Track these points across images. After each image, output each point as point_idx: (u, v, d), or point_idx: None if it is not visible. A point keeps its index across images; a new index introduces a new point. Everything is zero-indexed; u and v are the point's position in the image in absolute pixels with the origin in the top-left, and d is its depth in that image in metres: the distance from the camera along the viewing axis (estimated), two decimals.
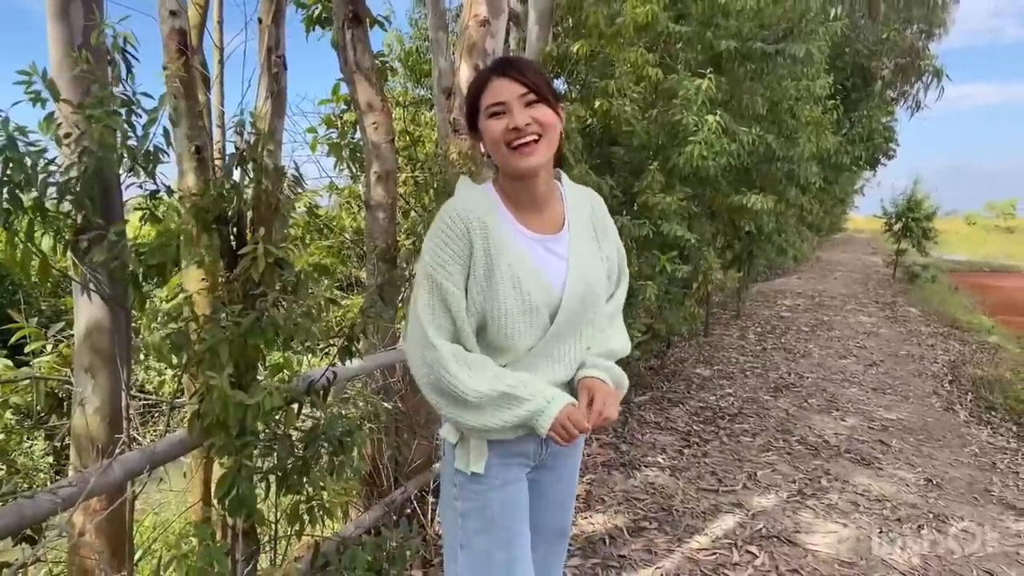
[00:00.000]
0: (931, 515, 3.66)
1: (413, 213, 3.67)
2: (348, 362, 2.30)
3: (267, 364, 2.08)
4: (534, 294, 1.41)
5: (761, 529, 3.32)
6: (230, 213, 1.90)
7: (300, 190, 1.97)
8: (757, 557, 3.06)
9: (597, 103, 4.37)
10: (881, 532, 3.38)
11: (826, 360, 7.62)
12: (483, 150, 1.45)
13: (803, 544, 3.21)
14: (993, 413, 6.06)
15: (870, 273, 19.38)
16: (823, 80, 6.43)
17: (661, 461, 4.10)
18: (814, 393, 6.10)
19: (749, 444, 4.56)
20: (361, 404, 2.94)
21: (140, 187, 1.99)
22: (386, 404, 2.98)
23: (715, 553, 3.04)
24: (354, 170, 3.73)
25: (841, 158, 8.44)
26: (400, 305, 3.99)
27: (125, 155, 1.82)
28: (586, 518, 3.26)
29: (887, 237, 17.87)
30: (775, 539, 3.24)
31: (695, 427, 4.85)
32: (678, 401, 5.50)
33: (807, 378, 6.68)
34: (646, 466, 4.00)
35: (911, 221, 16.88)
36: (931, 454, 4.73)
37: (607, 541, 3.05)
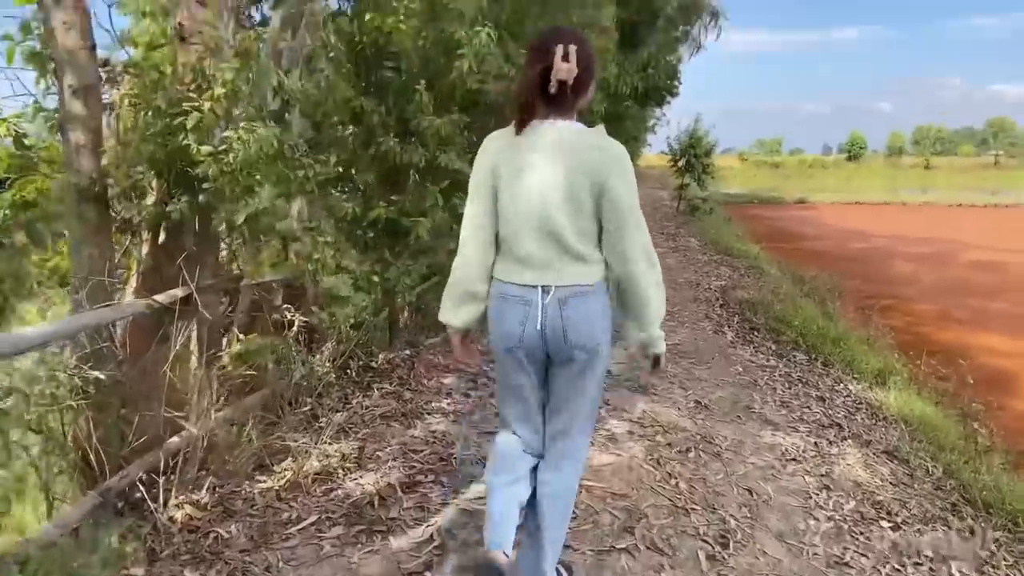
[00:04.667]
0: (699, 437, 3.83)
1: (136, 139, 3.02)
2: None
3: None
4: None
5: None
6: None
7: None
8: None
9: (368, 17, 3.91)
10: (651, 459, 3.46)
11: None
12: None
13: None
14: (756, 333, 6.61)
15: (658, 207, 20.73)
16: (609, 10, 6.40)
17: (445, 406, 3.92)
18: None
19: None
20: (62, 376, 2.39)
21: None
22: (97, 374, 2.45)
23: None
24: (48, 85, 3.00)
25: (621, 88, 8.66)
26: (133, 256, 3.37)
27: None
28: (355, 479, 2.97)
29: (673, 173, 19.09)
30: None
31: (485, 366, 4.73)
32: (471, 340, 5.35)
33: None
34: (429, 413, 3.79)
35: (693, 158, 18.17)
36: (701, 376, 5.02)
37: (375, 503, 2.79)
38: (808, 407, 4.68)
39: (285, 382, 3.50)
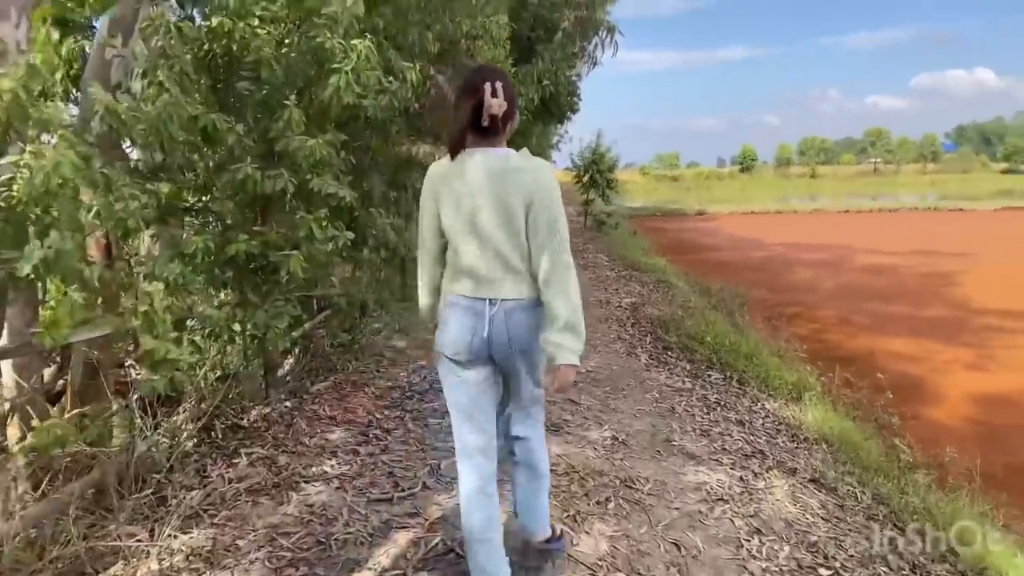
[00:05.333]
0: (618, 481, 3.44)
1: None
2: None
3: None
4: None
5: (437, 544, 2.75)
6: None
7: None
8: None
9: (215, 21, 3.37)
10: (567, 515, 3.04)
11: None
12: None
13: None
14: (669, 353, 6.35)
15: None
16: (500, 19, 6.05)
17: (329, 470, 3.36)
18: None
19: (436, 427, 4.02)
20: None
21: None
22: None
23: None
24: None
25: (517, 101, 8.37)
26: None
27: None
28: None
29: (578, 188, 19.07)
30: (453, 555, 2.69)
31: (378, 415, 4.20)
32: (363, 384, 4.79)
33: None
34: (308, 481, 3.22)
35: (596, 173, 18.20)
36: (616, 407, 4.65)
37: None
38: (729, 434, 4.39)
39: (123, 459, 2.87)
